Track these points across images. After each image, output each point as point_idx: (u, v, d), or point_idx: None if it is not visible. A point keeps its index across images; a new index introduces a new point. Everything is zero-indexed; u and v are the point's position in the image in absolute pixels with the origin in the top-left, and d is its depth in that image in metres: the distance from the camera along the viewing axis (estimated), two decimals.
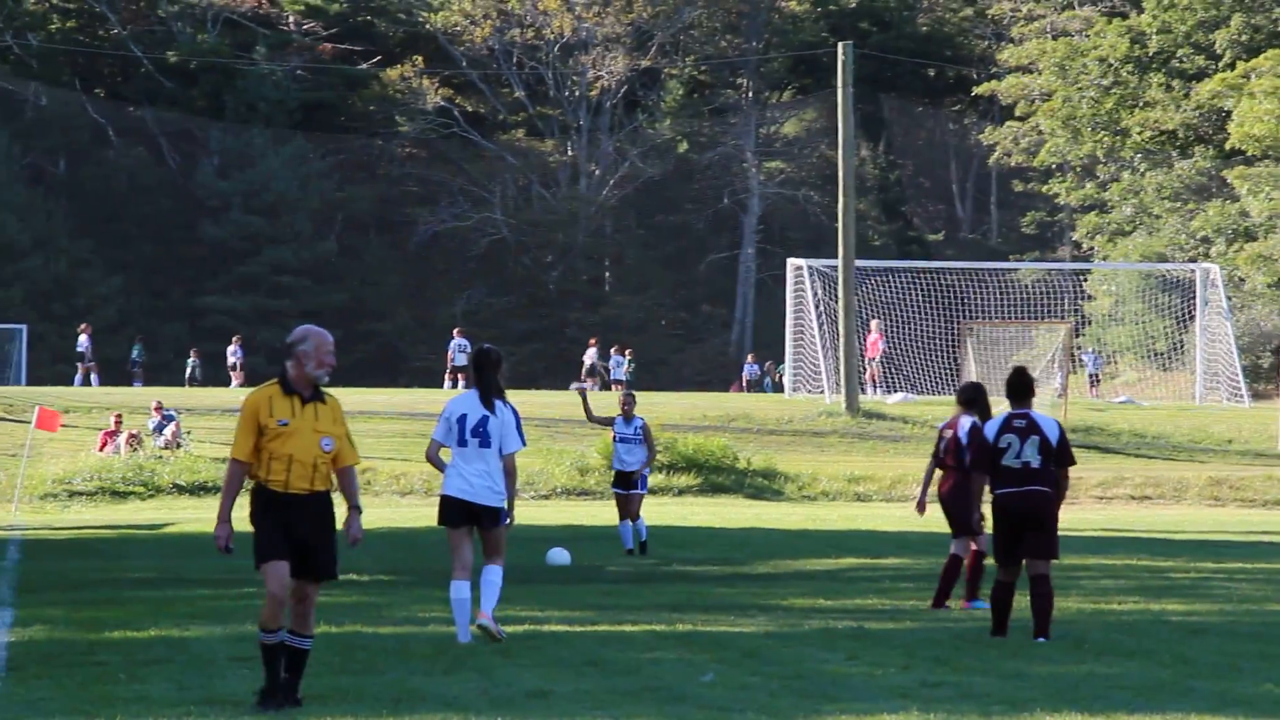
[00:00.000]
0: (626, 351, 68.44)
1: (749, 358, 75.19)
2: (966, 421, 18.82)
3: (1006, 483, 16.12)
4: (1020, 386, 16.60)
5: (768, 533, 32.28)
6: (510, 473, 16.17)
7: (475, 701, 12.56)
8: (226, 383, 64.04)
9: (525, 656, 14.74)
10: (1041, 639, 16.25)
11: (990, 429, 16.64)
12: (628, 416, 26.58)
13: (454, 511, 15.90)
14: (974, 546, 19.03)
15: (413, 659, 14.91)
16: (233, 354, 66.54)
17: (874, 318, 62.56)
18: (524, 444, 16.45)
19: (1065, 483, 16.75)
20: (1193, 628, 17.83)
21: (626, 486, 26.51)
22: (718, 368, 74.70)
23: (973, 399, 19.22)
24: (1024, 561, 16.38)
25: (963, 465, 18.38)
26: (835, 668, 14.40)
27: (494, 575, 16.08)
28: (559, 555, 24.93)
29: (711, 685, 13.25)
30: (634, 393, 30.05)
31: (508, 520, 16.03)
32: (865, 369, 60.82)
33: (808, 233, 79.45)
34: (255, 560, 12.51)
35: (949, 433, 19.08)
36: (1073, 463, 16.48)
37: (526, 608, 18.43)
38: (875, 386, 60.53)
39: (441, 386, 62.06)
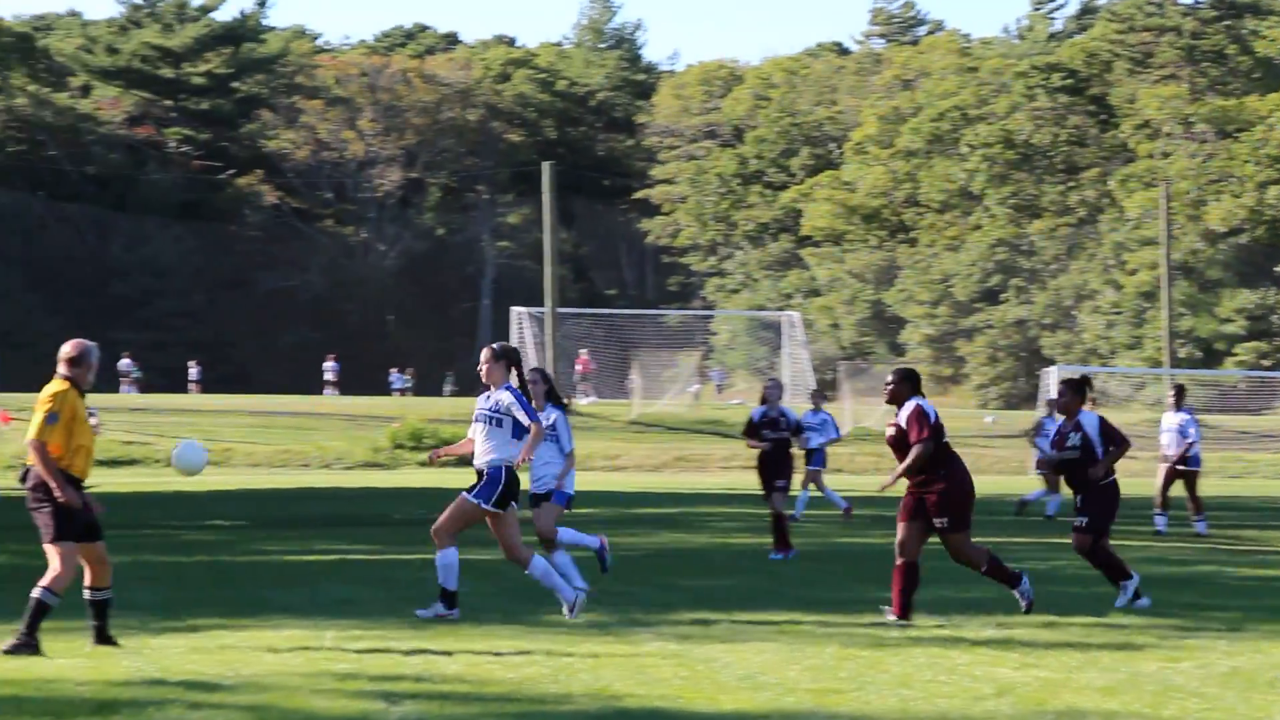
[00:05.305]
0: (409, 371, 76.14)
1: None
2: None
3: None
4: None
5: None
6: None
7: None
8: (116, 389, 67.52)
9: None
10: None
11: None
12: None
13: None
14: None
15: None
16: (125, 366, 72.34)
17: (581, 348, 67.00)
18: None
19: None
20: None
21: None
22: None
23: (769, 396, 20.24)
24: None
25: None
26: None
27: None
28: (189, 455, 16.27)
29: None
30: None
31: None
32: (578, 381, 65.79)
33: (526, 290, 79.77)
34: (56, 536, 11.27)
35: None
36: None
37: None
38: (584, 394, 64.90)
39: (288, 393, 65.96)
